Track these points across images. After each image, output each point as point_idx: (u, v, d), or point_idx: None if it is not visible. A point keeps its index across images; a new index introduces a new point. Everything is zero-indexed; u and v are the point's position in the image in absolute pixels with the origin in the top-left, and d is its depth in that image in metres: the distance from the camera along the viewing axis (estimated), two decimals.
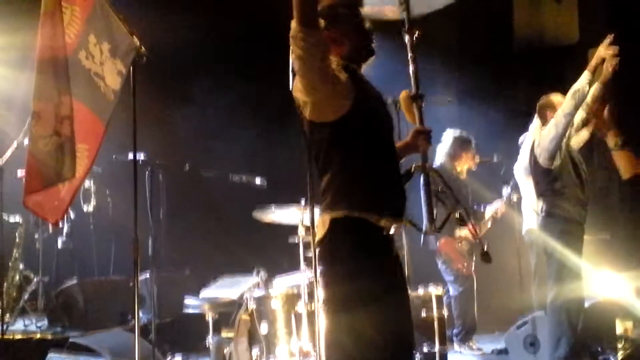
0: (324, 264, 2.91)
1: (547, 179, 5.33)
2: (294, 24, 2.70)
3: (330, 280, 2.88)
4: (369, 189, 2.86)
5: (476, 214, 6.61)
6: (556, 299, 5.21)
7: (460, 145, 6.52)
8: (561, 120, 5.10)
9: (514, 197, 6.21)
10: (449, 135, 6.55)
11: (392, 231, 2.93)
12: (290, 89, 3.67)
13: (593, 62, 5.07)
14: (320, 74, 2.77)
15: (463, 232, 6.30)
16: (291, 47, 2.74)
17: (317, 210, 3.32)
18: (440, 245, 6.33)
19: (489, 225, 6.63)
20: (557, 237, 5.24)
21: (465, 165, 6.56)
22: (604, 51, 5.01)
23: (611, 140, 4.80)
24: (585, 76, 5.05)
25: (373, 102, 3.00)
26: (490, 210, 6.57)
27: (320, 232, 2.88)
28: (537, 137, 5.37)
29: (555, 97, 5.37)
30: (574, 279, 5.20)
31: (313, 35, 2.70)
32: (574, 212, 5.27)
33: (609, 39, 5.04)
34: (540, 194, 5.42)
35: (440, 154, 6.56)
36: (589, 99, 5.23)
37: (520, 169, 5.88)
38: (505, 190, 6.42)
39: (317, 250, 2.93)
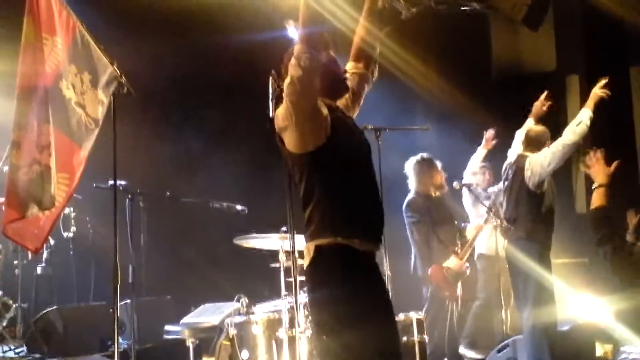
0: (311, 289, 2.97)
1: (532, 203, 5.46)
2: (299, 45, 2.80)
3: (318, 305, 2.94)
4: (351, 216, 2.94)
5: (461, 231, 6.68)
6: (536, 322, 5.27)
7: (426, 166, 6.56)
8: (560, 150, 5.31)
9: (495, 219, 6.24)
10: (410, 164, 6.59)
11: (375, 256, 3.02)
12: (270, 116, 3.75)
13: (592, 102, 5.41)
14: (314, 97, 2.87)
15: (451, 263, 6.35)
16: (291, 70, 2.81)
17: (298, 237, 3.39)
18: (430, 272, 6.36)
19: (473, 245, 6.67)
20: (537, 261, 5.34)
21: (438, 182, 6.59)
22: (600, 91, 5.41)
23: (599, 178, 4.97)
24: (587, 112, 5.37)
25: (350, 132, 3.09)
26: (471, 230, 6.62)
27: (306, 260, 2.96)
28: (527, 162, 5.49)
29: (530, 126, 5.68)
30: (550, 302, 5.28)
31: (318, 56, 2.82)
32: (549, 238, 5.45)
33: (604, 80, 5.45)
34: (522, 216, 5.52)
35: (411, 184, 6.59)
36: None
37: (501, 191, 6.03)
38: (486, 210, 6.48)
39: (306, 280, 3.01)
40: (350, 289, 2.86)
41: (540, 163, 5.37)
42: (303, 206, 2.99)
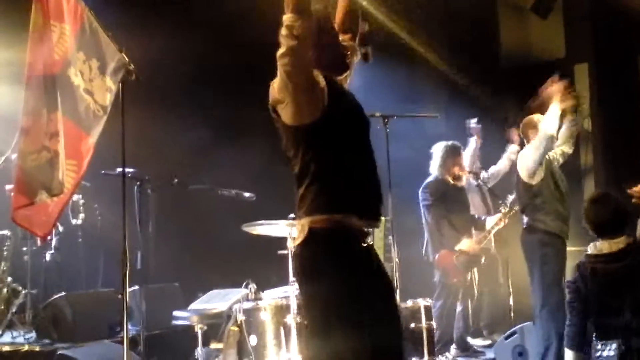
0: (303, 282, 2.89)
1: (528, 194, 5.53)
2: (287, 14, 2.73)
3: (312, 299, 2.86)
4: (348, 192, 2.85)
5: (477, 224, 6.67)
6: (542, 309, 5.32)
7: (451, 154, 6.58)
8: (542, 143, 5.36)
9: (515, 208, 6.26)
10: (440, 147, 6.61)
11: (369, 239, 2.94)
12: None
13: (559, 98, 5.44)
14: (309, 67, 2.78)
15: (463, 245, 6.35)
16: (283, 40, 2.73)
17: None
18: (438, 257, 6.37)
19: (491, 236, 6.67)
20: (538, 249, 5.42)
21: (455, 172, 6.61)
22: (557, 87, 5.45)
23: None
24: (555, 106, 5.41)
25: (349, 106, 3.01)
26: (492, 221, 6.61)
27: (299, 237, 2.86)
28: (519, 156, 5.65)
29: (537, 117, 5.60)
30: (554, 289, 5.29)
31: (308, 22, 2.73)
32: (553, 226, 5.44)
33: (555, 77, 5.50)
34: (522, 208, 5.62)
35: (433, 167, 6.61)
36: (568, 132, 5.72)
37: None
38: (508, 201, 6.49)
39: (295, 258, 2.91)
40: (342, 283, 2.76)
41: (527, 156, 5.49)
42: (297, 182, 2.89)
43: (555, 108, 5.40)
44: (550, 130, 5.35)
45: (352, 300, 2.76)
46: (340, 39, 3.09)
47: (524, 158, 5.52)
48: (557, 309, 5.25)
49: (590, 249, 4.13)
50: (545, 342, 5.30)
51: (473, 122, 7.14)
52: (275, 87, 2.84)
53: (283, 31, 2.73)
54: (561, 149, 5.73)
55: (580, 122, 5.76)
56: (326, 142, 2.85)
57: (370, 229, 2.97)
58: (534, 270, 5.43)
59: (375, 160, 3.03)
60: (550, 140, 5.39)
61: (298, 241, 2.86)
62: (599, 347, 3.98)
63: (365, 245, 2.91)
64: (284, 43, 2.73)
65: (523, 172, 5.51)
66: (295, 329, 4.63)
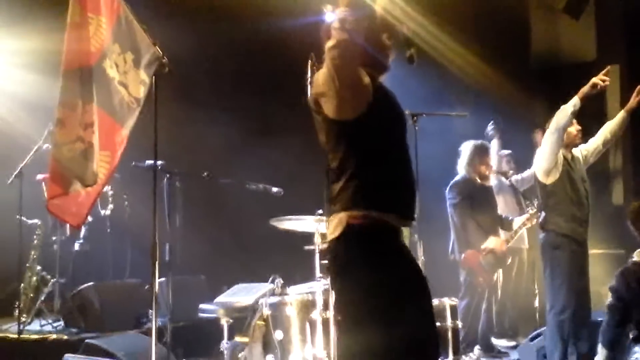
0: (339, 274, 2.86)
1: (543, 194, 5.52)
2: (341, 7, 2.73)
3: (346, 293, 2.84)
4: (386, 189, 2.84)
5: (504, 223, 6.64)
6: (549, 312, 5.31)
7: (478, 153, 6.56)
8: (548, 139, 5.32)
9: None
10: (468, 146, 6.58)
11: (405, 235, 2.93)
12: (307, 98, 3.73)
13: (585, 89, 5.25)
14: (357, 62, 2.77)
15: (490, 243, 6.33)
16: (334, 33, 2.72)
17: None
18: (464, 257, 6.35)
19: (518, 235, 6.63)
20: (549, 251, 5.40)
21: (483, 172, 6.59)
22: (598, 79, 5.23)
23: None
24: (574, 100, 5.25)
25: (390, 103, 3.01)
26: (519, 221, 6.58)
27: (337, 230, 2.82)
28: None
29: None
30: (565, 293, 5.25)
31: (360, 17, 2.75)
32: (566, 228, 5.36)
33: (607, 69, 5.30)
34: (539, 207, 5.66)
35: (460, 166, 6.59)
36: (615, 126, 5.56)
37: None
38: (536, 202, 6.47)
39: (330, 252, 2.87)
40: (381, 273, 2.76)
41: (539, 155, 5.46)
42: (336, 176, 2.86)
43: (575, 100, 5.26)
44: (562, 122, 5.23)
45: (386, 295, 2.74)
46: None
47: (539, 155, 5.47)
48: (562, 312, 5.21)
49: (636, 256, 4.09)
50: (551, 345, 5.27)
51: (490, 128, 7.09)
52: (320, 79, 2.82)
53: (335, 24, 2.72)
54: (594, 146, 5.63)
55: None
56: (368, 138, 2.84)
57: (405, 227, 2.95)
58: (545, 271, 5.41)
59: (410, 158, 3.02)
60: (562, 133, 5.26)
61: (334, 235, 2.83)
62: (636, 349, 3.96)
63: (400, 242, 2.90)
64: (335, 35, 2.72)
65: (538, 171, 5.47)
66: (321, 325, 4.65)
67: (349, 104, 2.80)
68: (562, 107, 5.31)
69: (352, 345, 2.79)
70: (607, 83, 5.25)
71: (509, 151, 7.30)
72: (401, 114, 3.08)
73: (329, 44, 2.73)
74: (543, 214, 5.52)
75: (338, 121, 2.83)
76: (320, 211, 4.73)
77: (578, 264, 5.33)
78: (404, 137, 3.03)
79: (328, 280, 4.05)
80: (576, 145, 5.57)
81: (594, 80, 5.25)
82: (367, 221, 2.79)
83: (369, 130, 2.83)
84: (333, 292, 2.93)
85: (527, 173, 7.12)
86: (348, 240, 2.80)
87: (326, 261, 2.92)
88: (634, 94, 5.48)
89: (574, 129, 5.48)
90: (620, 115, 5.60)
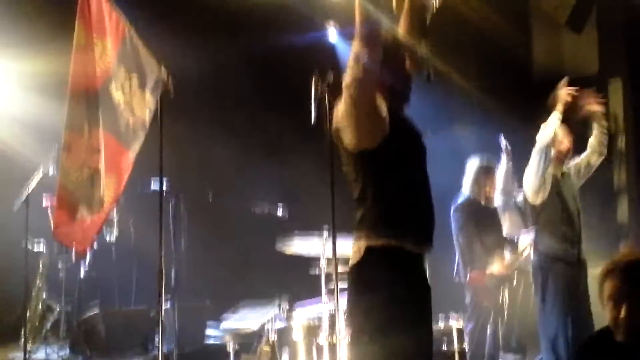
0: (357, 292, 2.94)
1: (533, 214, 5.49)
2: (357, 42, 2.76)
3: (362, 309, 2.91)
4: (405, 218, 2.91)
5: (509, 244, 6.58)
6: (541, 340, 5.26)
7: (484, 174, 6.50)
8: (534, 158, 5.28)
9: None
10: (473, 165, 6.52)
11: (425, 264, 2.98)
12: (312, 123, 3.73)
13: (559, 107, 5.26)
14: (374, 96, 2.82)
15: (494, 269, 6.27)
16: (350, 68, 2.78)
17: (340, 242, 3.35)
18: (469, 278, 6.29)
19: (525, 255, 6.55)
20: (538, 274, 5.37)
21: (487, 193, 6.53)
22: (562, 93, 5.27)
23: None
24: (553, 118, 5.25)
25: (409, 133, 3.06)
26: (525, 240, 6.51)
27: (354, 259, 2.92)
28: None
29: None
30: (554, 319, 5.19)
31: (376, 52, 2.77)
32: (557, 249, 5.30)
33: (564, 81, 5.32)
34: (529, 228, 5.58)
35: (465, 186, 6.53)
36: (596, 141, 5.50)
37: None
38: None
39: (350, 277, 2.95)
40: (397, 294, 2.83)
41: (526, 175, 5.40)
42: (356, 205, 2.97)
43: (553, 117, 5.23)
44: (544, 140, 5.19)
45: (406, 314, 2.82)
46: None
47: (526, 176, 5.40)
48: (555, 337, 5.14)
49: None
50: None
51: (504, 142, 7.04)
52: (339, 112, 2.91)
53: (350, 60, 2.78)
54: (587, 159, 5.56)
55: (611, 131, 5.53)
56: (385, 168, 2.90)
57: (424, 254, 3.01)
58: (537, 295, 5.37)
59: (430, 186, 3.08)
60: (547, 152, 5.20)
61: (353, 262, 2.93)
62: None
63: (418, 268, 2.96)
64: (351, 71, 2.78)
65: (527, 191, 5.40)
66: (328, 349, 4.61)
67: (366, 136, 2.87)
68: (543, 125, 5.26)
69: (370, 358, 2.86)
70: (575, 94, 5.28)
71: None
72: (419, 142, 3.12)
73: (346, 79, 2.80)
74: (534, 234, 5.46)
75: (356, 152, 2.91)
76: (326, 226, 4.71)
77: (570, 286, 5.21)
78: (422, 165, 3.08)
79: (333, 304, 4.04)
80: (565, 162, 5.48)
81: (562, 97, 5.26)
82: (385, 249, 2.87)
83: (386, 160, 2.89)
84: (350, 315, 3.03)
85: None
86: (366, 265, 2.88)
87: (348, 287, 2.99)
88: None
89: (565, 145, 5.41)
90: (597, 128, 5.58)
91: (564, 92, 5.26)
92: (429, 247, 3.02)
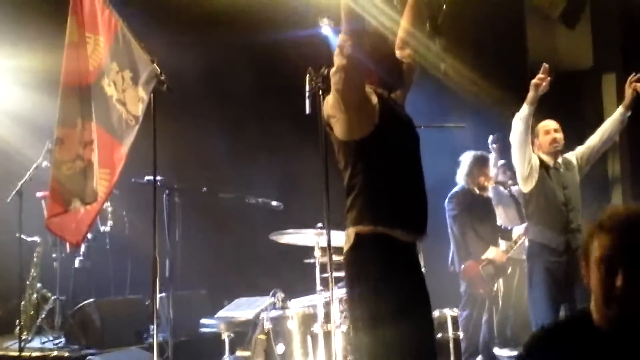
0: (349, 281, 2.99)
1: (523, 202, 5.57)
2: (342, 34, 2.83)
3: (356, 298, 2.96)
4: (393, 206, 2.96)
5: (504, 233, 6.63)
6: (533, 327, 5.28)
7: (478, 164, 6.56)
8: (513, 146, 5.31)
9: None
10: (467, 156, 6.59)
11: (417, 247, 3.05)
12: (307, 112, 3.77)
13: (531, 93, 5.27)
14: (360, 85, 2.89)
15: (490, 254, 6.32)
16: (335, 59, 2.85)
17: (334, 233, 3.40)
18: (464, 268, 6.35)
19: (519, 243, 6.59)
20: (528, 262, 5.40)
21: (482, 183, 6.59)
22: (537, 79, 5.25)
23: None
24: (524, 106, 5.30)
25: (399, 123, 3.10)
26: (518, 231, 6.56)
27: (346, 245, 2.99)
28: None
29: (542, 123, 5.53)
30: (547, 306, 5.18)
31: (358, 42, 2.83)
32: (542, 237, 5.28)
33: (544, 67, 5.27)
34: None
35: (459, 177, 6.59)
36: (612, 124, 5.46)
37: None
38: None
39: (344, 263, 3.02)
40: (389, 283, 2.87)
41: (514, 164, 5.41)
42: (346, 193, 3.02)
43: (524, 105, 5.27)
44: (515, 128, 5.22)
45: (399, 301, 2.86)
46: (398, 55, 3.19)
47: (514, 164, 5.42)
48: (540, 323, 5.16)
49: None
50: None
51: (492, 140, 7.12)
52: (329, 102, 2.98)
53: (336, 50, 2.85)
54: (591, 146, 5.51)
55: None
56: (374, 157, 2.96)
57: (416, 242, 3.06)
58: (528, 283, 5.39)
59: (422, 175, 3.12)
60: (521, 139, 5.20)
61: (346, 248, 2.99)
62: None
63: (408, 255, 3.00)
64: (336, 62, 2.85)
65: (518, 179, 5.41)
66: (323, 338, 4.64)
67: (355, 125, 2.93)
68: (515, 114, 5.30)
69: (367, 348, 2.91)
70: (546, 79, 5.24)
71: (504, 161, 7.30)
72: (411, 131, 3.17)
73: (332, 70, 2.88)
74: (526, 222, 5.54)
75: (346, 141, 2.97)
76: (320, 224, 4.74)
77: (557, 274, 5.18)
78: (414, 155, 3.13)
79: (328, 293, 4.07)
80: (557, 153, 5.45)
81: (534, 81, 5.24)
82: (373, 236, 2.92)
83: (375, 150, 2.94)
84: (347, 305, 3.14)
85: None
86: (357, 251, 2.95)
87: (344, 272, 3.05)
88: (627, 86, 5.40)
89: (549, 137, 5.40)
90: (618, 111, 5.48)
91: (535, 79, 5.26)
92: (419, 235, 3.06)
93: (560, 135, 5.42)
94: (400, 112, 3.16)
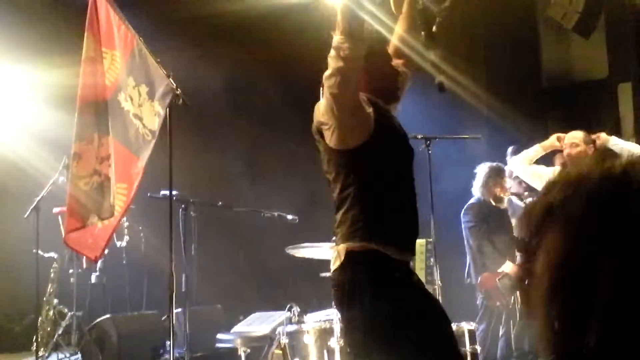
0: (343, 307, 2.80)
1: None
2: (338, 35, 2.65)
3: (350, 325, 2.80)
4: (387, 222, 2.77)
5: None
6: None
7: (493, 175, 6.53)
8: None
9: None
10: (483, 168, 6.56)
11: (409, 266, 2.86)
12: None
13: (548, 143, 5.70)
14: (356, 90, 2.71)
15: (506, 268, 6.27)
16: (331, 62, 2.66)
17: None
18: (481, 280, 6.30)
19: None
20: None
21: (498, 194, 6.55)
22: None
23: None
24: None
25: (395, 134, 2.93)
26: None
27: (335, 263, 2.77)
28: None
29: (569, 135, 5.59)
30: None
31: (359, 46, 2.66)
32: None
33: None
34: None
35: (475, 188, 6.56)
36: None
37: None
38: None
39: (333, 284, 2.80)
40: (385, 306, 2.67)
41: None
42: (336, 207, 2.81)
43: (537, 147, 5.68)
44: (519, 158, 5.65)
45: (393, 322, 2.68)
46: (392, 63, 3.00)
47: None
48: None
49: None
50: None
51: (510, 151, 7.08)
52: (321, 108, 2.77)
53: (331, 52, 2.67)
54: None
55: None
56: (368, 168, 2.77)
57: (407, 261, 2.88)
58: None
59: (415, 191, 2.95)
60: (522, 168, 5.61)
61: (335, 266, 2.78)
62: None
63: (403, 272, 2.81)
64: (331, 64, 2.66)
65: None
66: (339, 353, 4.61)
67: (349, 133, 2.74)
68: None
69: None
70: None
71: None
72: (406, 144, 3.00)
73: (326, 73, 2.68)
74: None
75: (338, 150, 2.77)
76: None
77: None
78: (408, 169, 2.96)
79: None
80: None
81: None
82: (366, 254, 2.72)
83: (369, 160, 2.76)
84: (340, 321, 2.90)
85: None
86: (347, 271, 2.74)
87: (333, 293, 2.84)
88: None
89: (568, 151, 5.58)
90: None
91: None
92: (411, 255, 2.90)
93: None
94: (395, 122, 2.97)
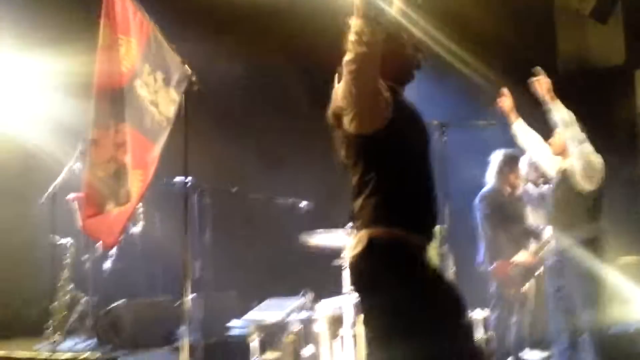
0: (365, 293, 2.81)
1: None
2: (356, 20, 2.62)
3: (373, 309, 2.79)
4: (409, 208, 2.78)
5: (534, 234, 6.55)
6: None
7: (508, 163, 6.50)
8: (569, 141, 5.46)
9: None
10: (498, 155, 6.52)
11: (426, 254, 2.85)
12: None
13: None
14: (376, 75, 2.69)
15: (519, 257, 6.25)
16: (351, 46, 2.63)
17: None
18: (494, 268, 6.29)
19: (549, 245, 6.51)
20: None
21: (512, 182, 6.52)
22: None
23: None
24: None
25: (412, 119, 2.92)
26: (549, 232, 6.48)
27: (357, 248, 2.77)
28: None
29: None
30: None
31: (379, 30, 2.64)
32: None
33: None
34: None
35: (490, 176, 6.53)
36: None
37: None
38: None
39: (353, 269, 2.82)
40: (408, 294, 2.69)
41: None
42: (356, 193, 2.81)
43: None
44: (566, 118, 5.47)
45: (417, 307, 2.69)
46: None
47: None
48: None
49: None
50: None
51: None
52: (339, 93, 2.77)
53: (351, 37, 2.64)
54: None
55: None
56: (388, 153, 2.77)
57: (426, 246, 2.88)
58: None
59: (433, 175, 2.95)
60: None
61: (356, 252, 2.78)
62: None
63: (424, 258, 2.83)
64: (352, 49, 2.63)
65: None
66: (352, 340, 4.62)
67: (367, 118, 2.73)
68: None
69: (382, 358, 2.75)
70: None
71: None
72: (424, 128, 2.99)
73: (346, 57, 2.67)
74: None
75: (357, 136, 2.77)
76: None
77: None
78: (426, 153, 2.95)
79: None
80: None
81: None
82: (389, 238, 2.74)
83: (389, 145, 2.76)
84: (361, 307, 2.91)
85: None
86: (370, 256, 2.75)
87: (351, 279, 2.87)
88: None
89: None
90: None
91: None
92: (429, 239, 2.89)
93: None
94: (412, 106, 2.96)
